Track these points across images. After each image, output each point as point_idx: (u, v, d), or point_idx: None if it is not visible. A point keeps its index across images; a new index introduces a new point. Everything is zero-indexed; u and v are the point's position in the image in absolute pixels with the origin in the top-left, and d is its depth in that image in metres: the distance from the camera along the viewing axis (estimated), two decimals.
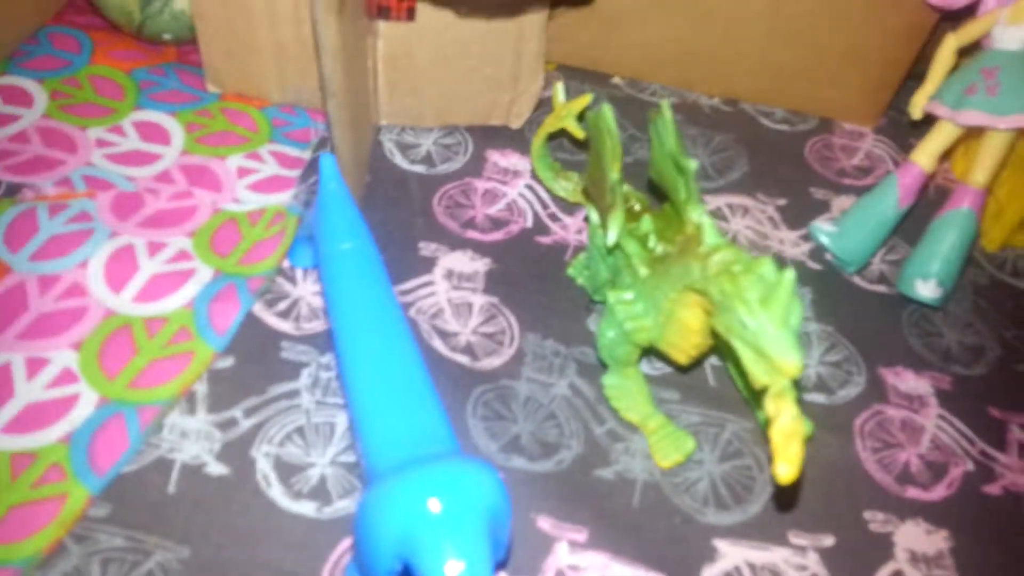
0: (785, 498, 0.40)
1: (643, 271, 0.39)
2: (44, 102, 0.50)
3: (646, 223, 0.42)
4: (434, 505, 0.28)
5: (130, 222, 0.44)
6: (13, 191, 0.45)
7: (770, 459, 0.31)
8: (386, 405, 0.33)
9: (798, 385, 0.32)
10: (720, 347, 0.41)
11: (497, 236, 0.50)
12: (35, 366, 0.38)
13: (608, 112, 0.38)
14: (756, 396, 0.41)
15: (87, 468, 0.35)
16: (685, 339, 0.38)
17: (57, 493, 0.34)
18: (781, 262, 0.52)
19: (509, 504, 0.30)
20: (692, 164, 0.37)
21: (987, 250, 0.56)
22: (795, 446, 0.30)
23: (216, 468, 0.37)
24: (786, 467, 0.30)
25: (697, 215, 0.36)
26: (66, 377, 0.38)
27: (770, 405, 0.31)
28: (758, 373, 0.31)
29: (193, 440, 0.37)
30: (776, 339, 0.30)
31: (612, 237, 0.39)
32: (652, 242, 0.41)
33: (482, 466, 0.30)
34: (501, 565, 0.35)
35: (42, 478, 0.34)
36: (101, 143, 0.49)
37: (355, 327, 0.36)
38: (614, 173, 0.38)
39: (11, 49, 0.53)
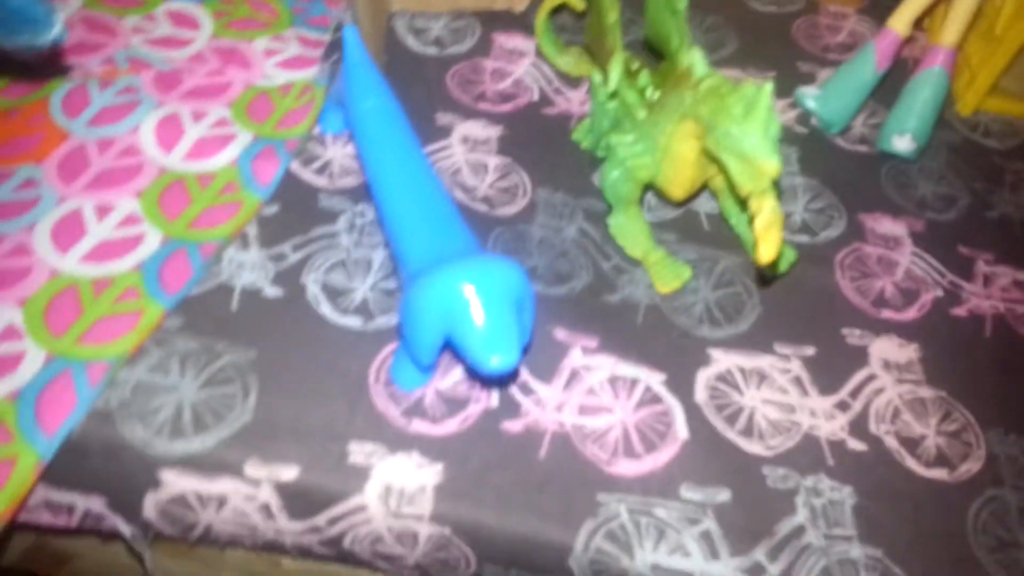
0: (770, 316, 0.46)
1: (641, 114, 0.44)
2: None
3: (643, 78, 0.46)
4: (468, 286, 0.33)
5: (173, 94, 0.49)
6: (64, 70, 0.49)
7: (755, 261, 0.36)
8: (420, 222, 0.38)
9: (777, 187, 0.37)
10: (710, 183, 0.46)
11: (507, 108, 0.54)
12: (103, 211, 0.43)
13: None
14: (743, 221, 0.46)
15: (159, 289, 0.40)
16: (680, 172, 0.42)
17: (135, 309, 0.39)
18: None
19: (531, 291, 0.35)
20: (682, 3, 0.41)
21: (961, 114, 0.60)
22: (774, 233, 0.35)
23: (272, 291, 0.42)
24: (767, 248, 0.35)
25: (688, 55, 0.40)
26: (132, 220, 0.42)
27: (754, 203, 0.36)
28: (744, 179, 0.36)
29: (249, 270, 0.42)
30: (758, 145, 0.34)
31: (613, 80, 0.43)
32: (649, 92, 0.45)
33: (507, 260, 0.35)
34: (525, 351, 0.40)
35: (120, 297, 0.39)
36: (137, 30, 0.52)
37: (387, 164, 0.41)
38: (612, 14, 0.42)
39: None
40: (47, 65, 0.47)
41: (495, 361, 0.32)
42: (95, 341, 0.37)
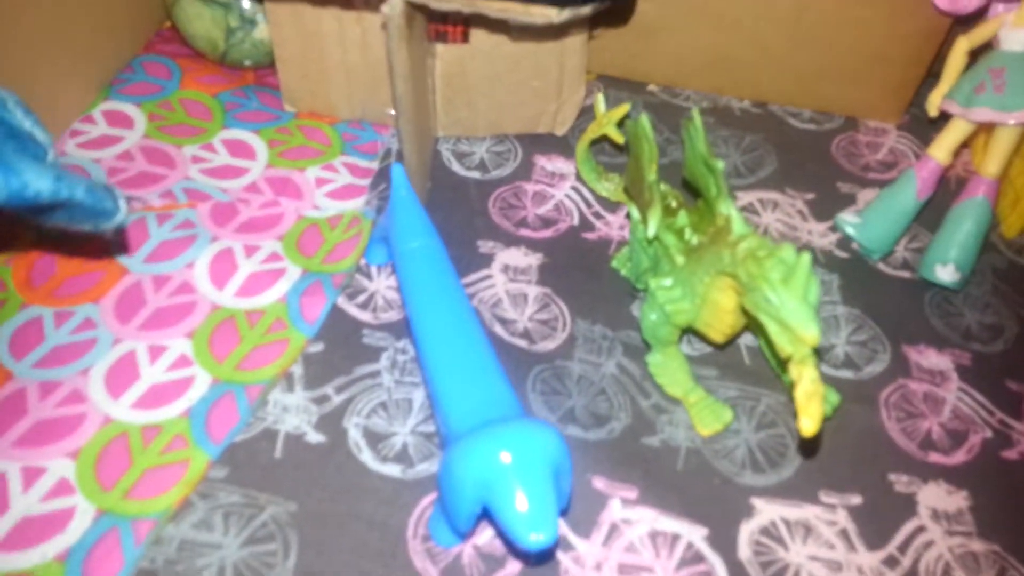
0: (814, 461, 0.45)
1: (680, 260, 0.44)
2: (143, 124, 0.57)
3: (682, 218, 0.47)
4: (506, 456, 0.33)
5: (228, 228, 0.51)
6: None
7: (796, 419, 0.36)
8: (461, 378, 0.38)
9: (819, 353, 0.37)
10: (752, 326, 0.46)
11: (547, 233, 0.55)
12: (156, 353, 0.44)
13: (645, 120, 0.43)
14: (784, 368, 0.46)
15: (205, 437, 0.41)
16: (719, 319, 0.42)
17: (181, 458, 0.40)
18: (810, 252, 0.56)
19: (569, 458, 0.35)
20: (720, 164, 0.42)
21: (1006, 236, 0.59)
22: (816, 404, 0.35)
23: (314, 436, 0.43)
24: (808, 422, 0.35)
25: (726, 208, 0.41)
26: (183, 362, 0.44)
27: (793, 371, 0.36)
28: (783, 343, 0.36)
29: (293, 413, 0.43)
30: (796, 312, 0.34)
31: (652, 230, 0.44)
32: (688, 234, 0.45)
33: (546, 426, 0.35)
34: (564, 512, 0.40)
35: (168, 446, 0.40)
36: (196, 159, 0.55)
37: (428, 313, 0.42)
38: (651, 174, 0.43)
39: (111, 77, 0.60)
40: None
41: (534, 538, 0.32)
42: (142, 496, 0.38)
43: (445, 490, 0.35)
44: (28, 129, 0.35)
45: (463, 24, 0.53)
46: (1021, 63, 0.51)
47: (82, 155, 0.54)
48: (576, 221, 0.57)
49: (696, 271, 0.42)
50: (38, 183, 0.32)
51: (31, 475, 0.38)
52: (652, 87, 0.68)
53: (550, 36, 0.54)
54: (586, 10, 0.45)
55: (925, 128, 0.65)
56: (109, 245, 0.48)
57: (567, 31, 0.54)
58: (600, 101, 0.55)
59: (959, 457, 0.46)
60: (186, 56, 0.62)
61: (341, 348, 0.46)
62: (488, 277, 0.52)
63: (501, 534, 0.39)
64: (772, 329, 0.36)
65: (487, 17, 0.45)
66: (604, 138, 0.56)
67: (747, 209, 0.59)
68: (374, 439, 0.43)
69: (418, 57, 0.48)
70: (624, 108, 0.53)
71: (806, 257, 0.35)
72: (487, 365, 0.39)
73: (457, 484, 0.34)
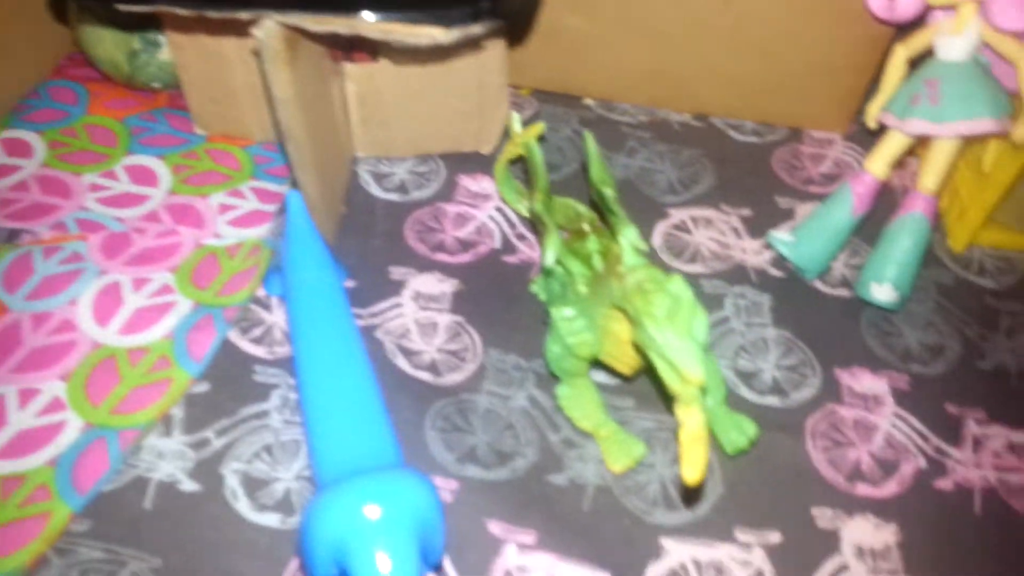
0: (732, 496, 0.42)
1: (583, 289, 0.42)
2: (43, 152, 0.54)
3: (592, 242, 0.44)
4: (369, 511, 0.31)
5: (118, 260, 0.48)
6: (13, 237, 0.49)
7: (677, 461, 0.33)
8: (335, 423, 0.36)
9: (704, 392, 0.34)
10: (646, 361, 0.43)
11: (466, 258, 0.53)
12: (27, 396, 0.41)
13: (534, 146, 0.41)
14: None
15: (70, 488, 0.38)
16: (622, 351, 0.40)
17: (42, 511, 0.37)
18: (741, 271, 0.53)
19: (440, 511, 0.33)
20: (608, 190, 0.39)
21: (954, 251, 0.57)
22: (700, 450, 0.32)
23: (188, 485, 0.40)
24: (690, 470, 0.32)
25: (620, 236, 0.38)
26: (55, 406, 0.41)
27: (679, 412, 0.33)
28: (670, 382, 0.33)
29: (168, 460, 0.41)
30: (680, 350, 0.32)
31: (549, 259, 0.41)
32: (596, 261, 0.43)
33: (414, 477, 0.32)
34: (437, 568, 0.38)
35: (29, 498, 0.38)
36: (94, 187, 0.52)
37: (310, 351, 0.39)
38: (537, 203, 0.40)
39: (13, 104, 0.58)
40: None
41: None
42: None
43: (303, 548, 0.32)
44: None
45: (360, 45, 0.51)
46: (957, 73, 0.48)
47: None
48: (498, 243, 0.54)
49: (596, 302, 0.40)
50: None
51: None
52: (588, 101, 0.65)
53: (459, 54, 0.52)
54: (476, 28, 0.43)
55: (873, 138, 0.63)
56: None
57: (479, 45, 0.52)
58: (515, 120, 0.52)
59: (889, 489, 0.43)
60: (96, 80, 0.60)
61: (228, 387, 0.44)
62: (397, 306, 0.50)
63: None
64: (660, 367, 0.34)
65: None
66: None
67: (679, 227, 0.56)
68: (253, 486, 0.40)
69: (311, 79, 0.46)
70: (538, 127, 0.51)
71: (687, 292, 0.32)
72: (367, 408, 0.37)
73: (313, 543, 0.31)
